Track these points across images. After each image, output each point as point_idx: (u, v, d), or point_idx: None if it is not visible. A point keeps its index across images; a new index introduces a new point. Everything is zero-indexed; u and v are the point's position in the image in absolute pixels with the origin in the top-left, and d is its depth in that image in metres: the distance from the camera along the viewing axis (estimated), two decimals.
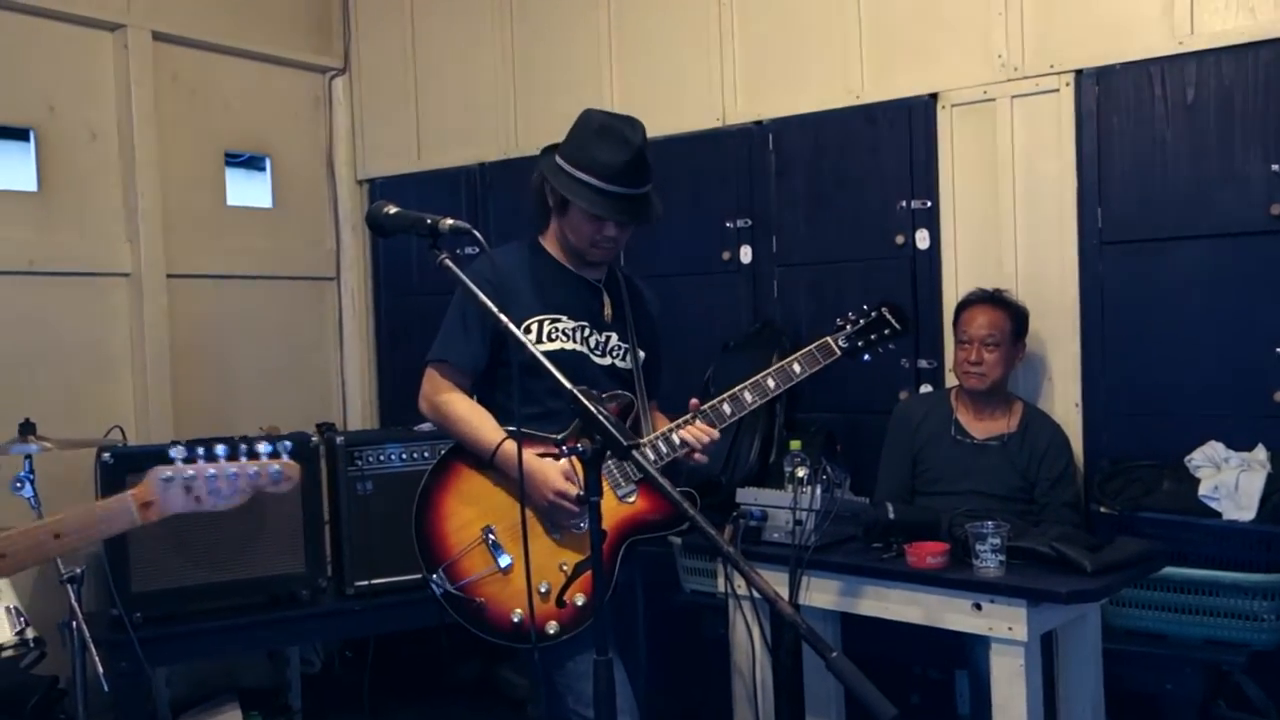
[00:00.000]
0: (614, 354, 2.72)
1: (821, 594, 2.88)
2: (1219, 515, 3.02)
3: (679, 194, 3.95)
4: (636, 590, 2.82)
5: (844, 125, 3.82)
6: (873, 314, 2.82)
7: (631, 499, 2.62)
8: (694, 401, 2.64)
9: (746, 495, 3.03)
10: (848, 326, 2.80)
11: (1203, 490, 3.06)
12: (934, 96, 3.65)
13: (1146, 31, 3.29)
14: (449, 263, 2.10)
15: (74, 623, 3.30)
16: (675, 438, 2.59)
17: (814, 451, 3.24)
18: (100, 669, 3.26)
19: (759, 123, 4.01)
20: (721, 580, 3.15)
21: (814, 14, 3.88)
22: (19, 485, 3.32)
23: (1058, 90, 3.43)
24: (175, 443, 1.90)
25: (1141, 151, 3.32)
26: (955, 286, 3.59)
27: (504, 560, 2.55)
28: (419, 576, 2.60)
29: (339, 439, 3.98)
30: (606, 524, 2.44)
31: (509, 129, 4.68)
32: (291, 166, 5.06)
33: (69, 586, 3.27)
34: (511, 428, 2.52)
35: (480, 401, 2.66)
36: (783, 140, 3.95)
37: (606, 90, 4.34)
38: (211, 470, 1.87)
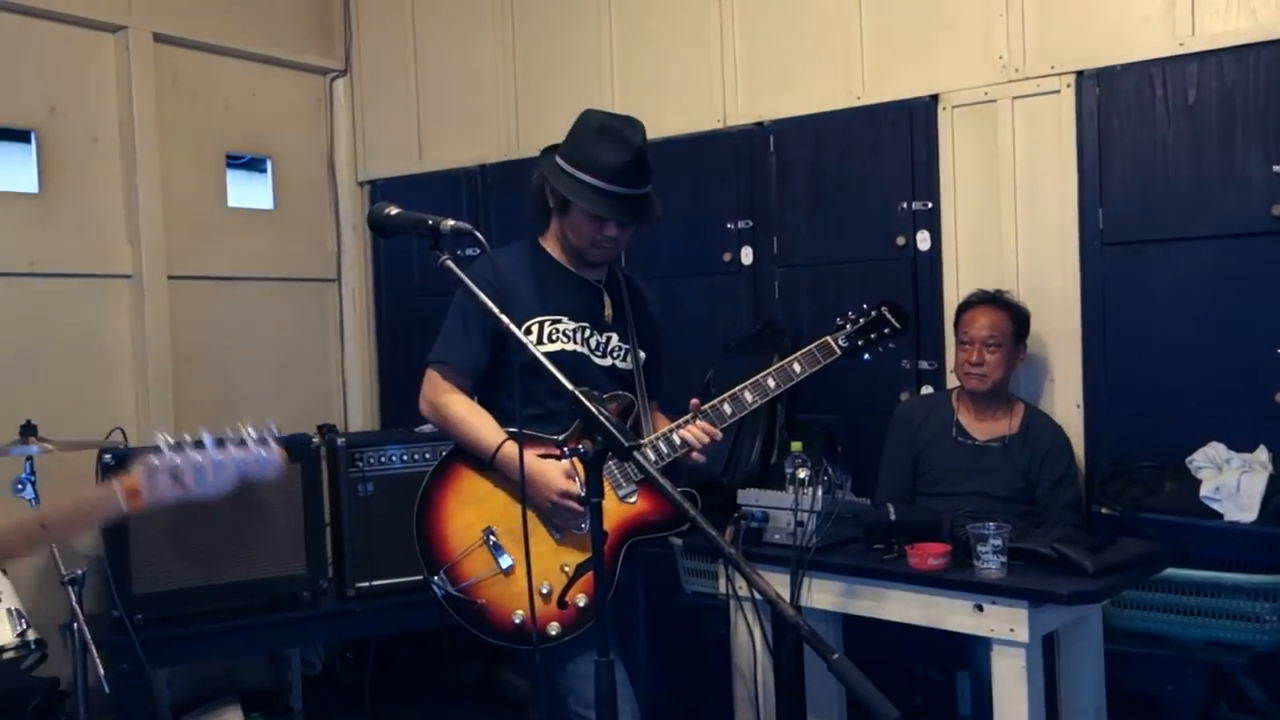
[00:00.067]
0: (615, 355, 2.71)
1: (823, 595, 2.88)
2: (1220, 516, 3.01)
3: (680, 195, 3.95)
4: (638, 591, 2.82)
5: (845, 126, 3.82)
6: (872, 313, 2.82)
7: (633, 499, 2.61)
8: (694, 402, 2.63)
9: (748, 496, 3.03)
10: (847, 326, 2.80)
11: (1204, 491, 3.05)
12: (935, 98, 3.64)
13: (1147, 32, 3.29)
14: (450, 264, 2.09)
15: (75, 624, 3.30)
16: (676, 437, 2.59)
17: (815, 453, 3.24)
18: (101, 671, 3.26)
19: (760, 124, 4.01)
20: (723, 581, 3.14)
21: (814, 15, 3.88)
22: (20, 487, 3.32)
23: (1059, 91, 3.42)
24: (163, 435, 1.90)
25: (1142, 152, 3.31)
26: (956, 287, 3.59)
27: (505, 561, 2.54)
28: (420, 578, 2.60)
29: (340, 440, 3.98)
30: (608, 525, 2.43)
31: (510, 130, 4.67)
32: (292, 168, 5.06)
33: (70, 588, 3.27)
34: (512, 429, 2.52)
35: (481, 402, 2.65)
36: (783, 141, 3.95)
37: (607, 92, 4.33)
38: (198, 458, 1.87)
